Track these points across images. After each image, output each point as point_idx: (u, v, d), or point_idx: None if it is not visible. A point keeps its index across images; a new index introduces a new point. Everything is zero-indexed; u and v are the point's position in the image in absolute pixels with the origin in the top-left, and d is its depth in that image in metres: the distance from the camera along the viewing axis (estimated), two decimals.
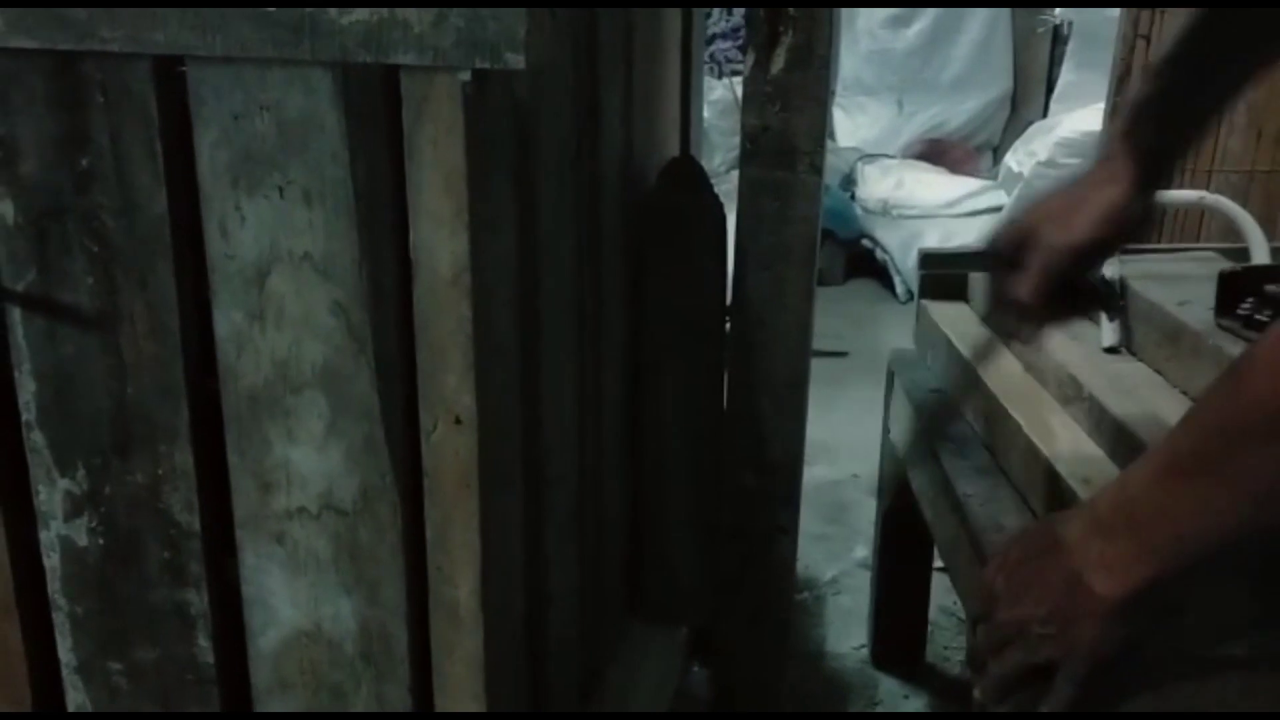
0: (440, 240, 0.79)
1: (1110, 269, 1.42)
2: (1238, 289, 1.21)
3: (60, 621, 0.95)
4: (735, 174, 1.34)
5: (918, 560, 1.77)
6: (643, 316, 1.33)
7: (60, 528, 0.92)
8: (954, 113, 4.70)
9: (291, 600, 0.90)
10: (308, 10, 0.73)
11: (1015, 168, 2.25)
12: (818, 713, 1.75)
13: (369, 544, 0.88)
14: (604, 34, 1.10)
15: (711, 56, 4.38)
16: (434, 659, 0.90)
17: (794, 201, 1.26)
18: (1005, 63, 4.71)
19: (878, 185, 4.16)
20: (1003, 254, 0.98)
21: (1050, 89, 4.37)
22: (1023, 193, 2.20)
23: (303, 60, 0.75)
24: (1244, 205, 1.67)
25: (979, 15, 4.64)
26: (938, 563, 2.16)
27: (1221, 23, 0.93)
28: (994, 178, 4.15)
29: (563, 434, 1.10)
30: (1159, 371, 1.34)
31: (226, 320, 0.84)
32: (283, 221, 0.81)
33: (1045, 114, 4.30)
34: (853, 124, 4.75)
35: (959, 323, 1.49)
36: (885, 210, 4.04)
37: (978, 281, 1.55)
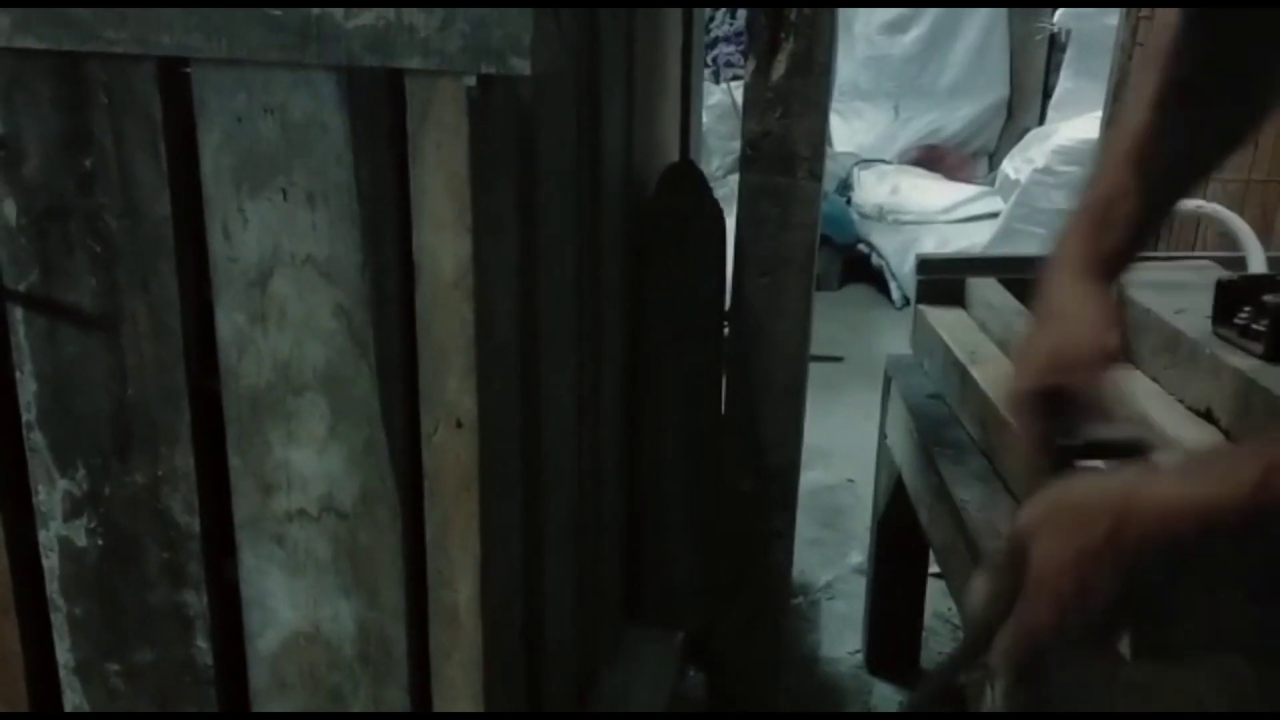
0: (443, 244, 0.79)
1: None
2: (1235, 298, 1.22)
3: (59, 622, 0.95)
4: (733, 178, 1.34)
5: (913, 566, 1.78)
6: (642, 320, 1.33)
7: (59, 528, 0.92)
8: (950, 119, 4.71)
9: (291, 602, 0.90)
10: (314, 13, 0.73)
11: (1013, 175, 2.26)
12: (813, 713, 1.75)
13: (369, 546, 0.88)
14: (605, 38, 1.10)
15: (714, 60, 4.38)
16: (432, 661, 0.90)
17: (794, 207, 1.26)
18: (1002, 69, 4.71)
19: (874, 191, 4.17)
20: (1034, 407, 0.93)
21: (1046, 96, 4.37)
22: (1020, 199, 2.20)
23: (308, 63, 0.75)
24: (1240, 214, 1.68)
25: (976, 22, 4.64)
26: (933, 568, 2.17)
27: (1191, 157, 0.95)
28: (990, 184, 4.16)
29: (562, 438, 1.10)
30: (1155, 379, 1.34)
31: (228, 322, 0.84)
32: (286, 224, 0.81)
33: (1041, 121, 4.30)
34: (849, 129, 4.75)
35: (956, 328, 1.49)
36: (881, 216, 4.05)
37: (975, 287, 1.55)
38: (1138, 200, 0.93)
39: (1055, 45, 4.23)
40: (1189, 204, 1.57)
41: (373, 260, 0.81)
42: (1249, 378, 1.14)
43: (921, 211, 3.96)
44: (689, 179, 1.31)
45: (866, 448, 2.60)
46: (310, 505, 0.87)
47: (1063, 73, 2.25)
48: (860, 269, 4.10)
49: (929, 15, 4.64)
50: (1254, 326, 1.19)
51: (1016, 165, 2.26)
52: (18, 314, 0.87)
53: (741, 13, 4.03)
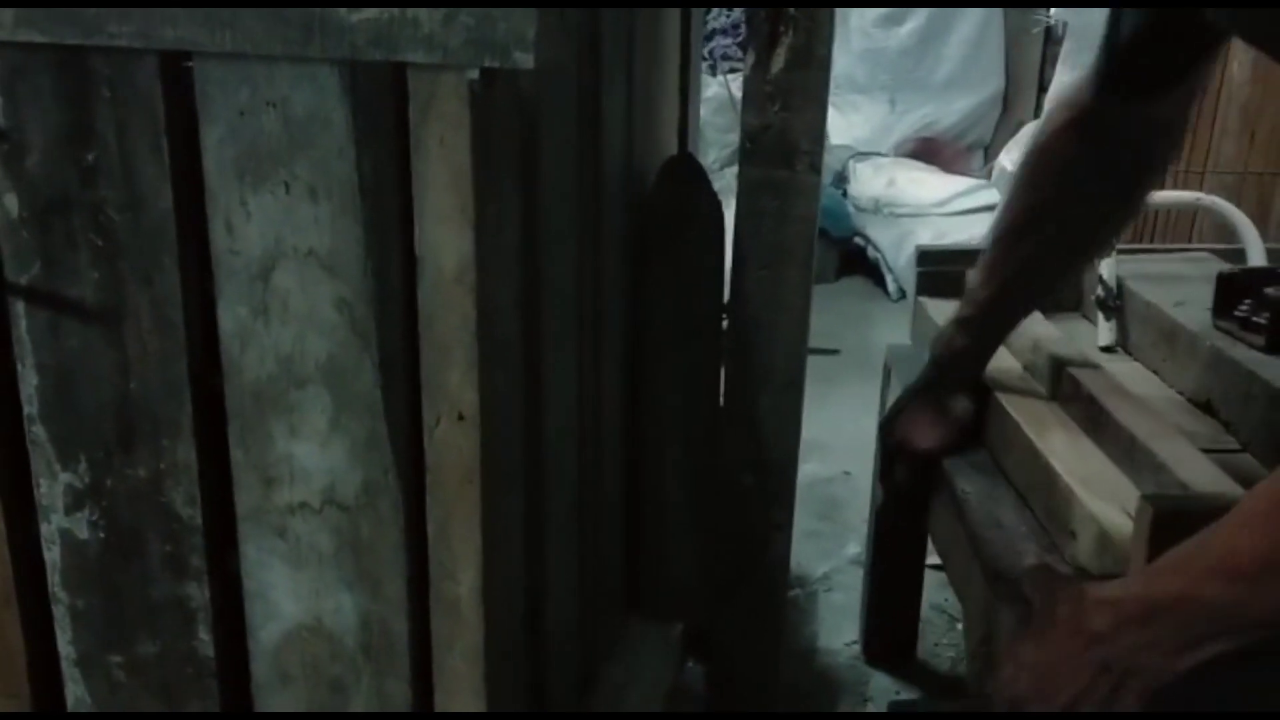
0: (446, 237, 0.79)
1: (1107, 269, 1.43)
2: (1235, 290, 1.23)
3: (60, 615, 0.95)
4: (729, 171, 1.34)
5: (911, 556, 1.78)
6: (641, 313, 1.34)
7: (61, 521, 0.92)
8: (946, 111, 4.71)
9: (293, 594, 0.91)
10: (318, 8, 0.73)
11: (1009, 167, 2.26)
12: (813, 713, 1.76)
13: (371, 539, 0.88)
14: (607, 32, 1.10)
15: (710, 54, 4.37)
16: (434, 654, 0.90)
17: (793, 201, 1.26)
18: (997, 62, 4.72)
19: (870, 183, 4.17)
20: (888, 451, 1.34)
21: (1042, 89, 4.38)
22: None
23: (311, 57, 0.75)
24: (1237, 206, 1.69)
25: (972, 15, 4.65)
26: (931, 560, 2.18)
27: (1015, 290, 1.21)
28: (985, 176, 4.17)
29: (563, 431, 1.10)
30: (1155, 371, 1.35)
31: (231, 315, 0.84)
32: (288, 217, 0.81)
33: (1036, 113, 4.31)
34: (845, 122, 4.75)
35: None
36: (877, 208, 4.05)
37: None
38: (990, 344, 1.27)
39: (1051, 38, 4.23)
40: (1187, 196, 1.58)
41: (375, 254, 0.81)
42: (1249, 370, 1.15)
43: (917, 204, 3.97)
44: (688, 172, 1.31)
45: (863, 440, 2.60)
46: (312, 498, 0.88)
47: (1059, 66, 2.25)
48: (856, 262, 4.11)
49: (925, 8, 4.64)
50: (1254, 319, 1.20)
51: (1013, 158, 2.26)
52: (19, 307, 0.87)
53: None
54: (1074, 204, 1.15)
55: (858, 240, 4.09)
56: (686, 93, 1.46)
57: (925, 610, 2.02)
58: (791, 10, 1.19)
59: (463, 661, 0.89)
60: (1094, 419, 1.14)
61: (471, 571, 0.87)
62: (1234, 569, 0.75)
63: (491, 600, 0.88)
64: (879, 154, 4.48)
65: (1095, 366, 1.23)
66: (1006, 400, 1.23)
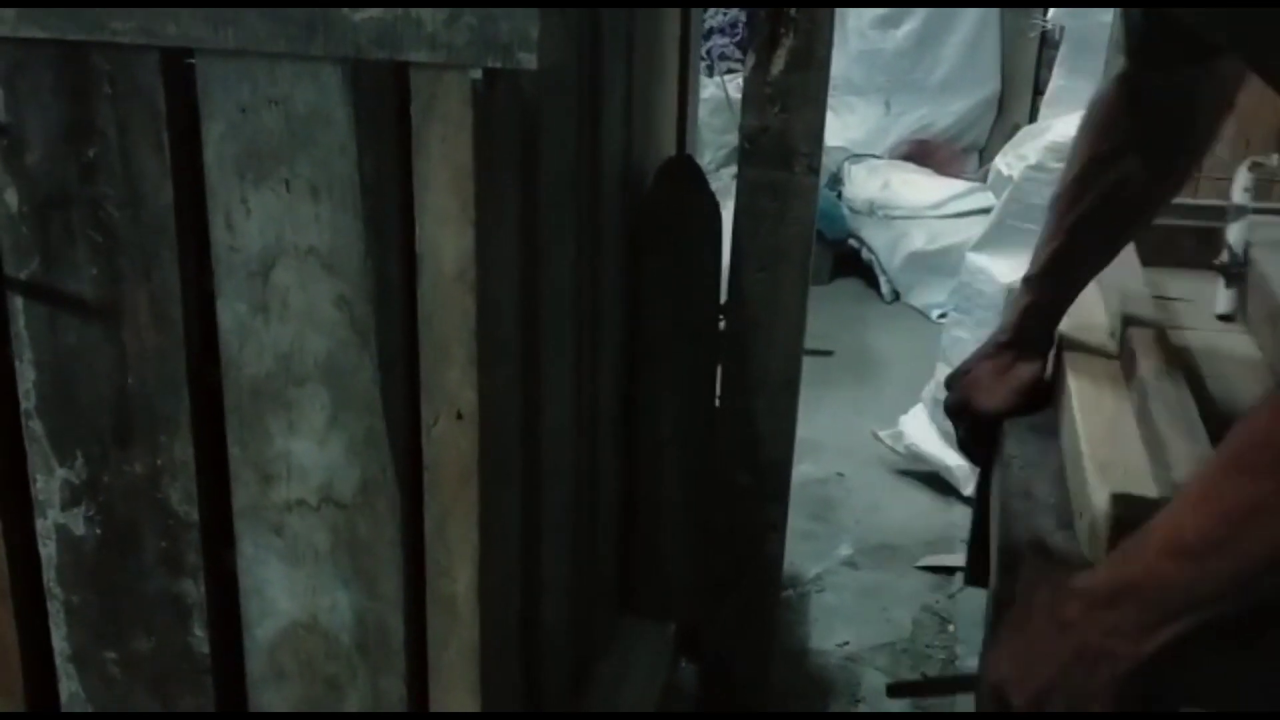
0: (446, 236, 0.79)
1: (1235, 232, 1.35)
2: None
3: (55, 610, 0.95)
4: (726, 172, 1.35)
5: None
6: (638, 314, 1.34)
7: (57, 516, 0.92)
8: (941, 114, 4.71)
9: (289, 591, 0.91)
10: (321, 7, 0.73)
11: (1005, 171, 2.27)
12: (814, 713, 1.76)
13: (368, 537, 0.88)
14: (606, 32, 1.10)
15: (708, 54, 4.36)
16: (430, 651, 0.90)
17: (791, 202, 1.26)
18: (993, 65, 4.72)
19: (865, 185, 4.17)
20: (950, 409, 1.31)
21: (1037, 92, 4.38)
22: (1012, 195, 2.21)
23: (314, 55, 0.75)
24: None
25: (968, 17, 4.65)
26: (922, 562, 2.19)
27: (1079, 246, 1.21)
28: (980, 179, 4.17)
29: (560, 429, 1.10)
30: (1262, 349, 1.26)
31: (230, 312, 0.84)
32: (289, 215, 0.81)
33: (1032, 117, 4.31)
34: (840, 124, 4.74)
35: None
36: (872, 210, 4.05)
37: None
38: (1059, 301, 1.25)
39: (1046, 41, 4.24)
40: None
41: (375, 252, 0.81)
42: None
43: (912, 206, 3.97)
44: (686, 173, 1.31)
45: (856, 441, 2.62)
46: (310, 495, 0.88)
47: (1055, 70, 2.26)
48: (850, 263, 4.11)
49: (922, 10, 4.64)
50: None
51: (1009, 161, 2.27)
52: (18, 302, 0.87)
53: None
54: (1129, 159, 1.15)
55: (852, 242, 4.09)
56: (685, 93, 1.47)
57: (916, 613, 2.03)
58: (792, 12, 1.19)
59: (458, 659, 0.90)
60: (1141, 400, 1.11)
61: (468, 570, 0.87)
62: (1181, 547, 0.77)
63: (488, 598, 0.88)
64: (874, 156, 4.48)
65: (1161, 334, 1.19)
66: (1071, 360, 1.21)
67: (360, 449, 0.86)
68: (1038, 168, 2.16)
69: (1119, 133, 1.16)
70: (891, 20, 4.72)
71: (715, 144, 3.81)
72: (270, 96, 0.78)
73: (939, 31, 4.68)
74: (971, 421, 1.28)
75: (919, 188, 4.07)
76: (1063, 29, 2.25)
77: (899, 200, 4.01)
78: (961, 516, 2.36)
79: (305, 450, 0.87)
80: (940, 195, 3.99)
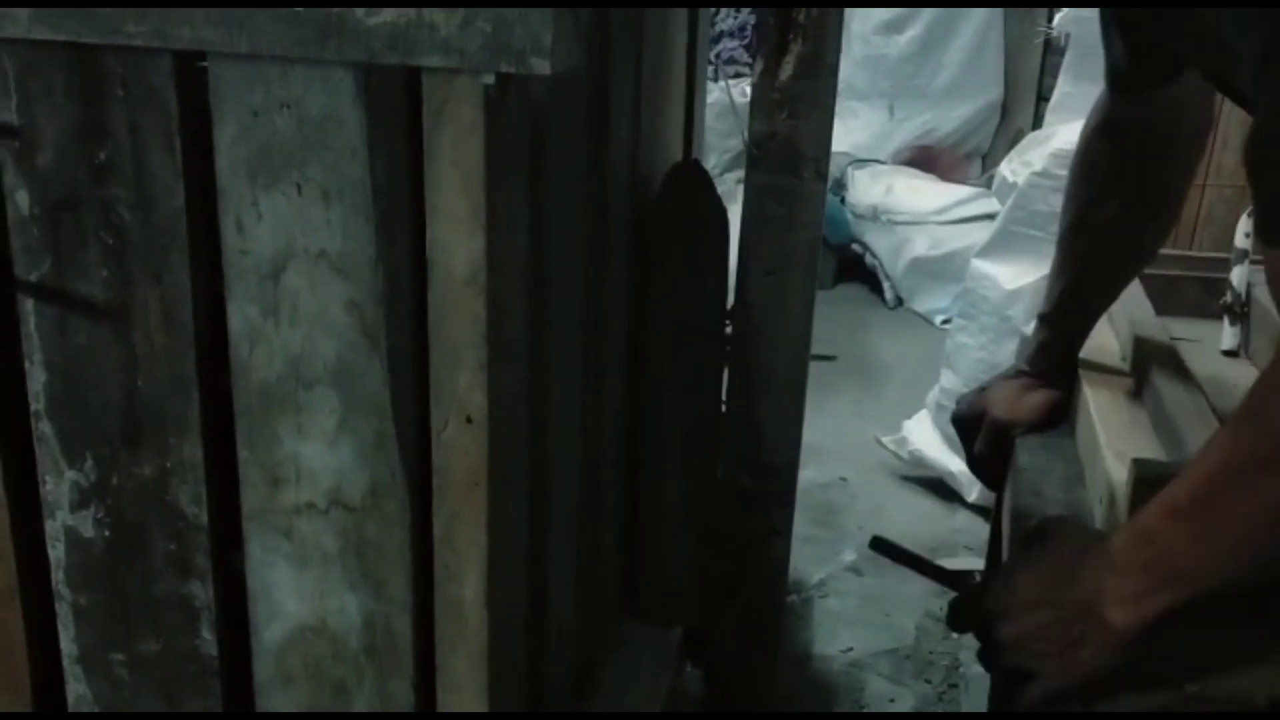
0: (457, 240, 0.79)
1: (1237, 275, 1.46)
2: None
3: (63, 612, 0.95)
4: (730, 176, 1.35)
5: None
6: (645, 318, 1.34)
7: (66, 518, 0.92)
8: (944, 119, 4.72)
9: (297, 594, 0.91)
10: (335, 10, 0.73)
11: (1010, 177, 2.27)
12: (814, 713, 1.76)
13: (376, 540, 0.88)
14: (615, 36, 1.10)
15: (716, 57, 4.37)
16: (438, 655, 0.90)
17: (799, 208, 1.27)
18: (996, 71, 4.73)
19: (868, 190, 4.18)
20: (962, 421, 1.37)
21: (1041, 98, 4.39)
22: (1017, 202, 2.21)
23: (327, 59, 0.75)
24: (1235, 219, 1.69)
25: (972, 23, 4.65)
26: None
27: (1084, 287, 1.28)
28: (983, 185, 4.17)
29: (567, 434, 1.10)
30: None
31: (240, 315, 0.85)
32: (300, 218, 0.81)
33: (1035, 122, 4.32)
34: (844, 129, 4.75)
35: None
36: (875, 215, 4.06)
37: None
38: (1073, 336, 1.32)
39: (1051, 48, 4.24)
40: None
41: (386, 256, 0.81)
42: None
43: (915, 212, 3.98)
44: (694, 178, 1.31)
45: (859, 446, 2.63)
46: (319, 499, 0.88)
47: (1061, 76, 2.26)
48: (854, 268, 4.11)
49: (925, 16, 4.65)
50: None
51: (1014, 168, 2.27)
52: (29, 304, 0.87)
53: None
54: (1113, 202, 1.21)
55: (855, 247, 4.10)
56: (693, 98, 1.47)
57: (919, 619, 2.03)
58: (800, 18, 1.20)
59: (466, 664, 0.89)
60: (1155, 401, 1.16)
61: (476, 574, 0.87)
62: (1175, 508, 0.78)
63: (496, 602, 0.88)
64: (877, 161, 4.49)
65: (1171, 350, 1.25)
66: (1085, 376, 1.27)
67: (369, 452, 0.86)
68: (1043, 174, 2.17)
69: (1104, 180, 1.22)
70: (895, 26, 4.73)
71: (719, 148, 3.81)
72: (282, 100, 0.78)
73: (943, 37, 4.68)
74: (989, 432, 1.32)
75: (922, 193, 4.08)
76: (1068, 36, 2.25)
77: (902, 205, 4.02)
78: (965, 522, 2.36)
79: (314, 453, 0.87)
80: (943, 201, 4.00)
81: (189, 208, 0.83)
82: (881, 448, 2.55)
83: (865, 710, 1.80)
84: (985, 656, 0.90)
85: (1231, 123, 1.78)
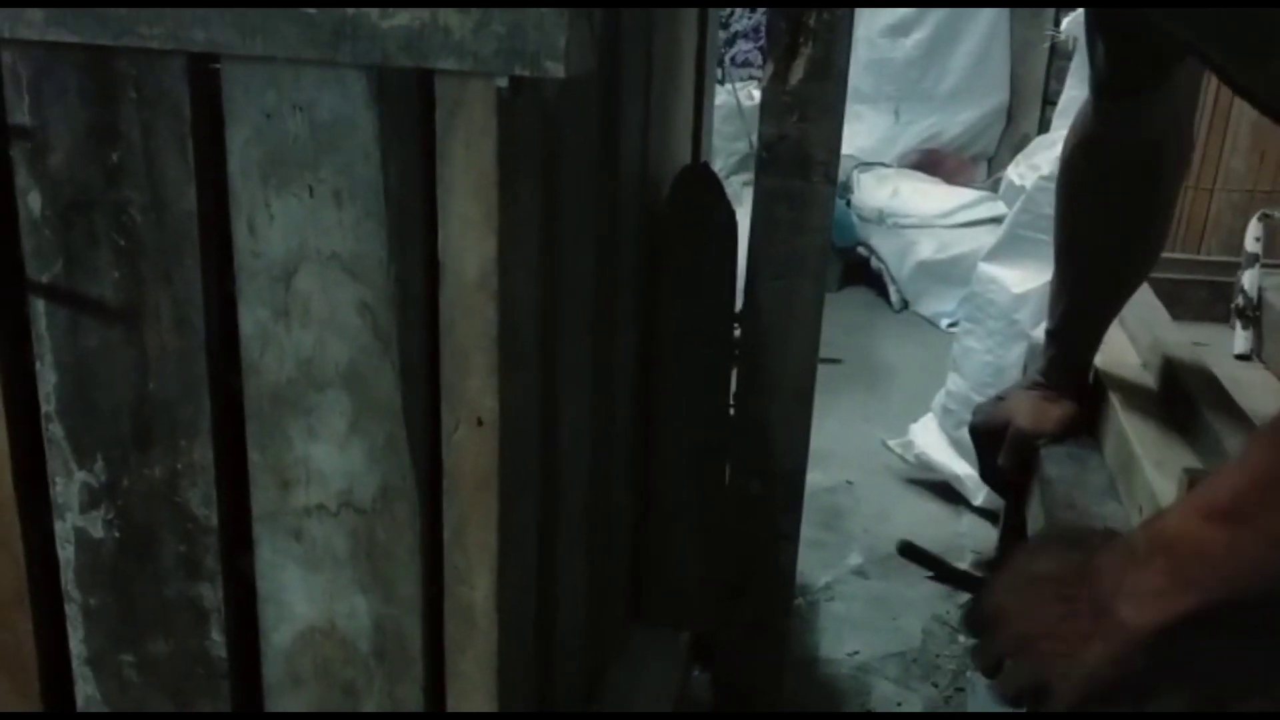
0: (469, 243, 0.79)
1: (1248, 279, 1.47)
2: None
3: (72, 614, 0.95)
4: (736, 179, 1.35)
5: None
6: (653, 322, 1.34)
7: (76, 519, 0.92)
8: (950, 123, 4.71)
9: (307, 596, 0.91)
10: (349, 12, 0.73)
11: (1017, 180, 2.26)
12: (814, 713, 1.76)
13: (386, 542, 0.88)
14: (627, 39, 1.10)
15: (730, 60, 4.36)
16: (448, 658, 0.90)
17: (808, 211, 1.26)
18: (1002, 75, 4.72)
19: (874, 194, 4.17)
20: (981, 430, 1.39)
21: (1047, 101, 4.38)
22: (1024, 205, 2.21)
23: (341, 62, 0.75)
24: (1244, 224, 1.69)
25: (978, 27, 4.65)
26: (932, 573, 2.18)
27: (1087, 301, 1.29)
28: (989, 189, 4.17)
29: (577, 437, 1.10)
30: None
31: (251, 317, 0.85)
32: (312, 220, 0.81)
33: (1041, 126, 4.31)
34: (849, 132, 4.70)
35: None
36: (881, 219, 4.05)
37: None
38: (1083, 349, 1.34)
39: (1057, 52, 4.23)
40: None
41: (398, 258, 0.81)
42: None
43: (921, 215, 3.97)
44: (703, 182, 1.31)
45: (865, 450, 2.62)
46: (329, 501, 0.88)
47: (1068, 80, 2.25)
48: (859, 272, 4.11)
49: (931, 20, 4.65)
50: None
51: (1021, 171, 2.26)
52: (40, 305, 0.87)
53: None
54: (1102, 223, 1.22)
55: (861, 250, 4.09)
56: (701, 101, 1.47)
57: (926, 622, 2.03)
58: (811, 22, 1.19)
59: (476, 667, 0.89)
60: (1188, 414, 1.16)
61: (486, 577, 0.87)
62: (1215, 509, 0.74)
63: (506, 605, 0.88)
64: (883, 164, 4.48)
65: (1194, 355, 1.27)
66: (1108, 381, 1.28)
67: (380, 455, 0.86)
68: (1050, 178, 2.15)
69: (1092, 201, 1.22)
70: (901, 29, 4.72)
71: (726, 151, 3.81)
72: (295, 102, 0.78)
73: (948, 41, 4.68)
74: (1014, 443, 1.32)
75: (928, 196, 4.07)
76: (1075, 40, 2.25)
77: (908, 209, 4.02)
78: (971, 525, 2.36)
79: (325, 455, 0.87)
80: (949, 204, 4.00)
81: (201, 210, 0.83)
82: (887, 451, 2.55)
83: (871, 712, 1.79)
84: (986, 659, 0.85)
85: (1241, 126, 1.78)
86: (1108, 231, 1.22)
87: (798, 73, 1.21)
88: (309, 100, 0.78)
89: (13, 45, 0.80)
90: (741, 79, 4.16)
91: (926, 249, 3.83)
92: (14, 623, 0.96)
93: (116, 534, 0.92)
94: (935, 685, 1.87)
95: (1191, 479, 0.90)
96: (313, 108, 0.78)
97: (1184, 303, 1.57)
